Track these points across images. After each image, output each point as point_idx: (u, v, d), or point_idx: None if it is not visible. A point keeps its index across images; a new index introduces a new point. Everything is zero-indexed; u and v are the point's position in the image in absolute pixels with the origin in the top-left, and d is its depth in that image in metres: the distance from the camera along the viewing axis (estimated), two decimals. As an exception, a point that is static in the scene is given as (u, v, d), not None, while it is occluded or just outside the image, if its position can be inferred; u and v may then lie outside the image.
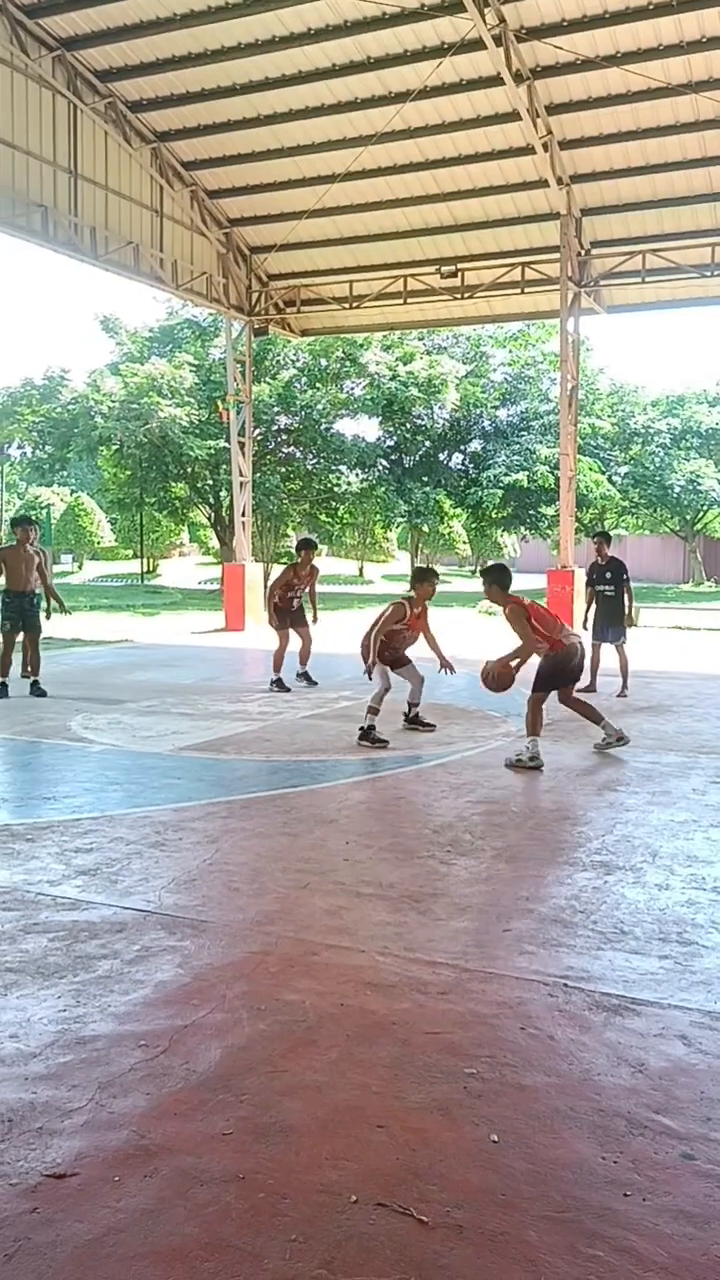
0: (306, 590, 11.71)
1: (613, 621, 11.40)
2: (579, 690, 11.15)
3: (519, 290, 19.44)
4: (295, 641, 11.65)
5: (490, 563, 9.82)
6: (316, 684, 11.68)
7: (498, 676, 7.84)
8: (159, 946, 4.10)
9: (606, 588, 11.40)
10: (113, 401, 32.56)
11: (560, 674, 7.96)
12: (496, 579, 7.95)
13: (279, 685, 11.40)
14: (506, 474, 35.31)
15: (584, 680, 11.49)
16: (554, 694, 8.09)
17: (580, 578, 18.35)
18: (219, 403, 25.15)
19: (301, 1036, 3.37)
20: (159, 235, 18.68)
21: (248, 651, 16.31)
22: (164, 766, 7.59)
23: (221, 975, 3.84)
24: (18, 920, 4.38)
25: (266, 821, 6.04)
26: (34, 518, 13.76)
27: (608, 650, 11.46)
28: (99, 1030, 3.39)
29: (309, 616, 11.79)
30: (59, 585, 11.43)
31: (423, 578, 9.03)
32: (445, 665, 8.87)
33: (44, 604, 11.32)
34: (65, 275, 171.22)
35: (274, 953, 4.06)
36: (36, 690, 10.87)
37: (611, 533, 14.29)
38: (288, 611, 11.53)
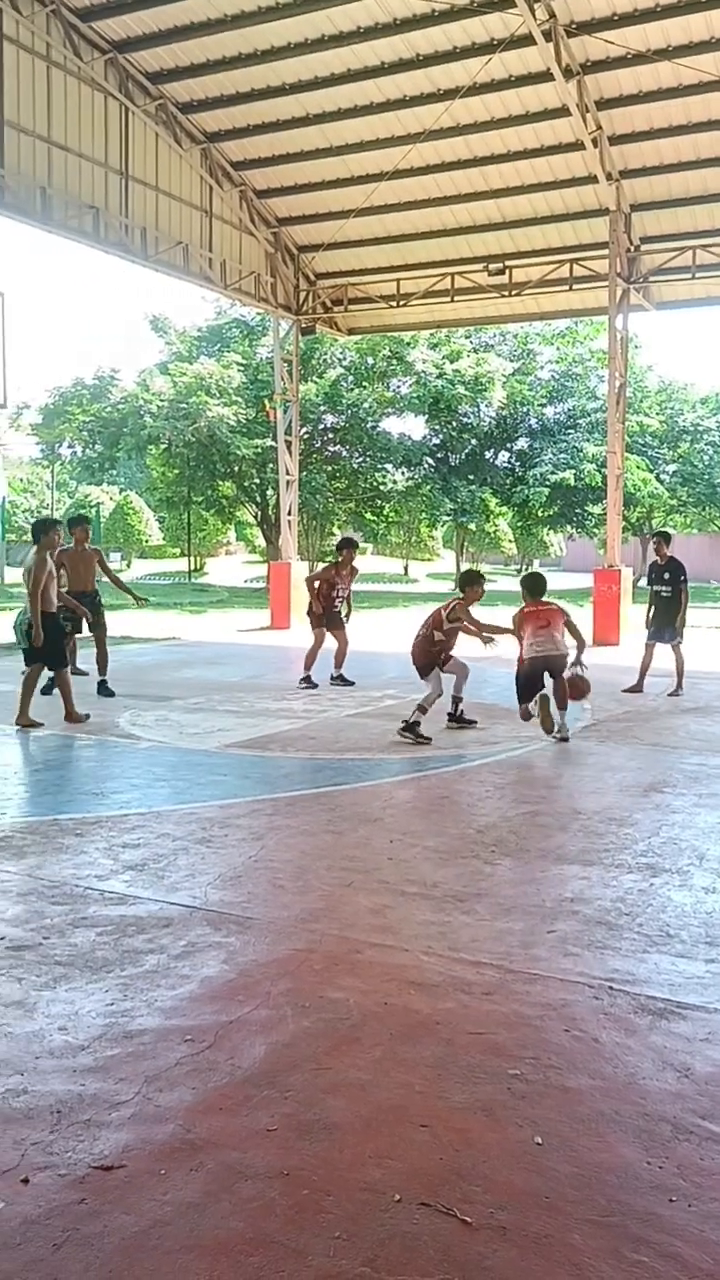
0: (346, 592, 11.71)
1: (667, 622, 11.26)
2: (625, 690, 11.18)
3: (567, 287, 19.28)
4: (330, 642, 11.65)
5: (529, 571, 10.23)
6: (353, 684, 11.66)
7: (574, 684, 8.72)
8: (205, 942, 4.14)
9: (663, 588, 11.26)
10: (161, 401, 32.80)
11: (530, 681, 8.71)
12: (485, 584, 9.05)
13: (308, 683, 11.36)
14: (553, 472, 35.05)
15: (632, 680, 11.45)
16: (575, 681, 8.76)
17: (628, 577, 18.21)
18: (266, 402, 25.25)
19: (345, 1034, 3.38)
20: (208, 235, 18.79)
21: (293, 649, 16.31)
22: (210, 763, 7.65)
23: (266, 972, 3.86)
24: (66, 914, 4.44)
25: (311, 819, 6.07)
26: (90, 517, 13.87)
27: (662, 651, 11.35)
28: (146, 1024, 3.43)
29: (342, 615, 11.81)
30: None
31: (472, 581, 9.19)
32: (491, 637, 9.05)
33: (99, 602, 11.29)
34: (116, 276, 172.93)
35: (318, 950, 4.08)
36: (105, 690, 10.71)
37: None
38: (327, 612, 11.52)
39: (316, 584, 11.57)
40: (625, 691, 11.27)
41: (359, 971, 3.88)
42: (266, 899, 4.68)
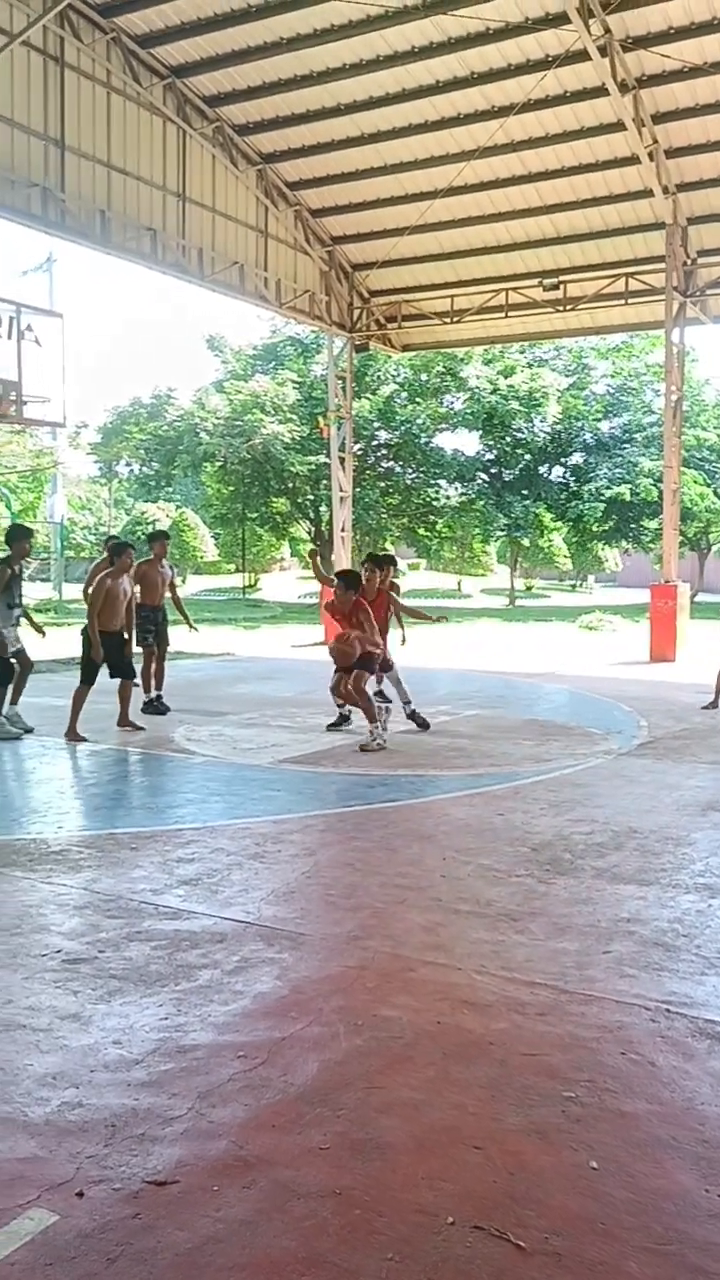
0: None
1: None
2: (703, 708, 10.92)
3: (623, 301, 19.19)
4: None
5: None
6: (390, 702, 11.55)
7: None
8: (258, 958, 4.14)
9: None
10: (217, 419, 33.17)
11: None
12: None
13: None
14: (608, 487, 34.82)
15: (691, 696, 11.29)
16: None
17: (684, 593, 17.98)
18: (320, 419, 25.36)
19: (398, 1053, 3.36)
20: (263, 255, 19.00)
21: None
22: (264, 779, 7.68)
23: (319, 989, 3.86)
24: (122, 928, 4.47)
25: (364, 835, 6.05)
26: (169, 533, 13.93)
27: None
28: (199, 1039, 3.44)
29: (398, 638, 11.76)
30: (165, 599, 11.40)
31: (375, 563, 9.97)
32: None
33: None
34: (174, 296, 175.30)
35: (370, 967, 4.06)
36: (151, 708, 10.59)
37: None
38: None
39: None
40: (704, 709, 11.11)
41: (412, 990, 3.86)
42: (319, 915, 4.68)
